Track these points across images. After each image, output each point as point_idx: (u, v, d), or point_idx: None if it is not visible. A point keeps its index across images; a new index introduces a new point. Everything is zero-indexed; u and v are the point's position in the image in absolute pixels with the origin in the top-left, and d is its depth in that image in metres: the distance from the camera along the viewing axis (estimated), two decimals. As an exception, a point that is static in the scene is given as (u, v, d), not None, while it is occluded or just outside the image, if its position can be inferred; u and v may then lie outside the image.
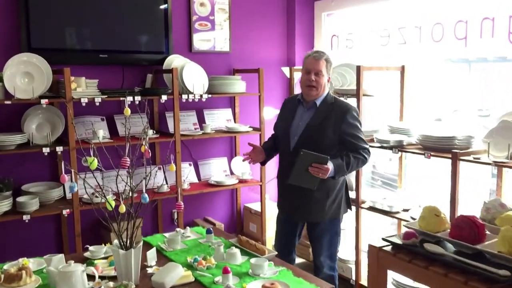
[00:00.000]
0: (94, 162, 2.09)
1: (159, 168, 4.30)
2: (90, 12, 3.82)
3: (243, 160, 3.13)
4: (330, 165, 2.67)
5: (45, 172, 3.86)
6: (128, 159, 2.15)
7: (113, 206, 2.18)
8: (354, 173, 3.79)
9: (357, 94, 3.48)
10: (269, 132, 4.88)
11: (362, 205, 3.58)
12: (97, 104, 3.59)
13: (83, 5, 3.79)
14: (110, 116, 4.03)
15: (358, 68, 3.43)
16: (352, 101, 3.57)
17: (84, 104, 3.56)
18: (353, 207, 3.60)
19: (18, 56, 3.46)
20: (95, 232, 3.94)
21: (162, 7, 4.13)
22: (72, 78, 3.58)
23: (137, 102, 3.71)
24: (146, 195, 2.14)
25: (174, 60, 4.11)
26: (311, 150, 2.66)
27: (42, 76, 3.46)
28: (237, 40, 4.66)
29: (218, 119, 4.58)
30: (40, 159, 3.59)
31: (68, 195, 3.70)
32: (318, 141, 2.80)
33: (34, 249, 3.84)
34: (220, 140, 4.69)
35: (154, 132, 4.04)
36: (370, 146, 3.43)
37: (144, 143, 2.31)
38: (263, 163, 3.27)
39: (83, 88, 3.65)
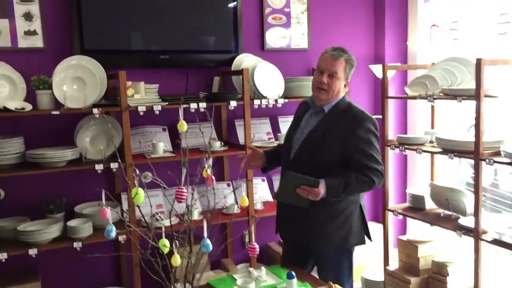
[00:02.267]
0: (139, 195, 1.54)
1: (228, 185, 3.74)
2: (149, 9, 3.34)
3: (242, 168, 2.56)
4: (322, 189, 2.23)
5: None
6: (185, 191, 1.57)
7: (166, 251, 1.60)
8: (468, 194, 3.02)
9: (476, 95, 2.72)
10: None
11: (483, 237, 2.80)
12: (157, 112, 3.09)
13: (142, 1, 3.32)
14: (173, 125, 3.52)
15: (479, 62, 2.67)
16: (469, 104, 2.81)
17: (141, 113, 3.06)
18: (471, 239, 2.83)
19: (67, 60, 3.03)
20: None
21: (230, -1, 3.58)
22: (129, 83, 3.11)
23: (202, 110, 3.17)
24: (209, 243, 1.54)
25: (244, 60, 3.53)
26: (309, 164, 2.32)
27: (94, 81, 3.01)
28: (316, 35, 4.01)
29: (295, 127, 3.94)
30: (95, 175, 3.14)
31: (127, 217, 3.22)
32: (319, 155, 2.34)
33: (90, 280, 3.41)
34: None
35: (222, 144, 3.48)
36: (495, 161, 2.67)
37: (206, 166, 1.72)
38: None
39: (142, 94, 3.17)
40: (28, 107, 2.90)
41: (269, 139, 3.77)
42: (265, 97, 3.42)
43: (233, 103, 3.27)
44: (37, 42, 3.18)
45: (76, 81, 3.01)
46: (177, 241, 1.61)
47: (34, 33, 3.16)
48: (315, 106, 2.42)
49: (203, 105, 3.17)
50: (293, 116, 2.64)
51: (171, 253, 1.55)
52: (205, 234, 1.53)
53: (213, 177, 1.73)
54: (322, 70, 2.33)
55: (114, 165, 2.99)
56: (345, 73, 2.34)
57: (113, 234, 1.59)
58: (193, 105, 3.14)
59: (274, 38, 3.88)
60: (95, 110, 2.92)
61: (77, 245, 2.95)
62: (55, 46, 3.23)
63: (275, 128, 3.85)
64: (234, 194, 3.72)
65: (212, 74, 3.64)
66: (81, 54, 3.12)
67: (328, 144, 2.31)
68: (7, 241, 2.94)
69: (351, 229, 2.43)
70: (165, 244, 1.56)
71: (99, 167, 2.96)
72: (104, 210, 1.64)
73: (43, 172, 2.93)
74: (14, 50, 3.12)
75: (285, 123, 3.89)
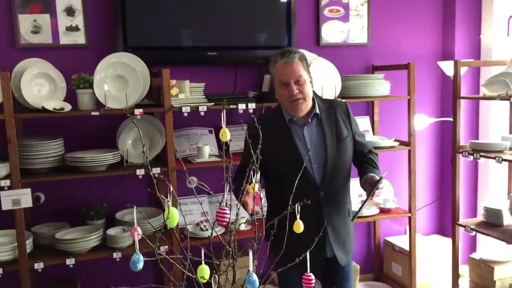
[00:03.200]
0: (172, 217, 1.28)
1: (279, 192, 3.45)
2: (197, 3, 3.10)
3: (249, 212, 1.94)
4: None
5: (143, 195, 3.21)
6: (227, 212, 1.30)
7: (204, 281, 1.33)
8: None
9: None
10: (421, 147, 3.89)
11: None
12: (202, 113, 2.85)
13: (188, -7, 3.09)
14: (220, 127, 3.27)
15: None
16: None
17: (186, 114, 2.83)
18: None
19: (108, 57, 2.84)
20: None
21: (283, -10, 3.29)
22: (173, 82, 2.88)
23: (250, 111, 2.91)
24: (255, 278, 1.26)
25: (298, 56, 3.23)
26: (340, 174, 2.18)
27: (137, 80, 2.80)
28: (378, 28, 3.66)
29: (353, 129, 3.60)
30: (138, 180, 2.94)
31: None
32: (345, 160, 2.19)
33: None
34: (354, 156, 3.71)
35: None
36: None
37: (254, 181, 1.45)
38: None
39: (187, 93, 2.94)
40: (67, 107, 2.73)
41: (323, 142, 3.46)
42: (319, 97, 3.10)
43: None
44: (79, 38, 3.01)
45: (118, 79, 2.81)
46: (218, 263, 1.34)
47: (76, 28, 3.00)
48: (302, 118, 2.14)
49: (252, 105, 2.91)
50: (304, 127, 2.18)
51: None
52: (251, 268, 1.25)
53: (261, 196, 1.45)
54: (285, 82, 2.06)
55: (156, 170, 2.77)
56: (307, 71, 2.11)
57: (140, 265, 1.33)
58: (241, 106, 2.88)
59: (331, 32, 3.55)
60: (136, 111, 2.72)
61: (116, 255, 2.75)
62: (98, 43, 3.05)
63: (331, 131, 3.53)
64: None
65: (262, 72, 3.37)
66: (125, 51, 2.93)
67: (345, 142, 2.18)
68: (45, 248, 2.79)
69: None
70: (203, 275, 1.29)
71: (140, 172, 2.76)
72: (135, 230, 1.40)
73: (81, 177, 2.75)
74: (55, 47, 2.97)
75: (341, 126, 3.57)
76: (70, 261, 2.67)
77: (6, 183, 2.54)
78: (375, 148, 3.29)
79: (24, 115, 2.65)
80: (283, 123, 2.15)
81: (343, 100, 2.38)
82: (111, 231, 2.84)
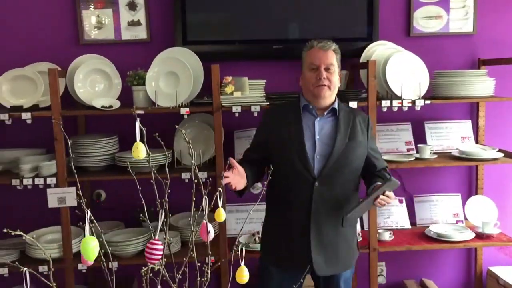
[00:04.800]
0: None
1: (353, 204, 3.03)
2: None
3: (224, 183, 1.82)
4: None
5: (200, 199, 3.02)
6: (158, 247, 1.02)
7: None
8: None
9: None
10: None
11: None
12: (255, 114, 2.57)
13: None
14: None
15: None
16: None
17: (237, 115, 2.57)
18: None
19: (163, 53, 2.69)
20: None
21: (364, -28, 2.84)
22: (229, 78, 2.64)
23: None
24: None
25: (376, 50, 2.77)
26: (343, 173, 2.06)
27: (188, 76, 2.61)
28: (486, 15, 3.02)
29: (449, 136, 3.02)
30: (188, 183, 2.76)
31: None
32: (352, 160, 2.08)
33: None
34: (450, 168, 3.12)
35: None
36: None
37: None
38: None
39: (245, 91, 2.67)
40: (117, 105, 2.63)
41: (408, 150, 2.95)
42: (398, 97, 2.62)
43: (352, 104, 2.55)
44: (141, 33, 2.91)
45: (170, 76, 2.65)
46: None
47: (137, 23, 2.91)
48: (320, 109, 2.10)
49: (313, 106, 2.54)
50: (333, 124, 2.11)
51: None
52: None
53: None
54: (316, 66, 2.06)
55: (202, 175, 2.55)
56: (338, 64, 2.12)
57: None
58: (300, 106, 2.53)
59: (425, 19, 3.01)
60: (183, 110, 2.52)
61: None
62: (159, 38, 2.93)
63: (419, 137, 3.00)
64: (360, 218, 3.00)
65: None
66: (184, 46, 2.77)
67: (357, 147, 2.08)
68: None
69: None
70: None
71: (186, 176, 2.57)
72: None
73: (127, 178, 2.63)
74: (117, 42, 2.91)
75: (434, 131, 3.02)
76: (112, 265, 2.57)
77: (52, 180, 2.53)
78: (472, 160, 2.72)
79: (70, 112, 2.62)
80: (296, 110, 2.12)
81: (367, 114, 2.33)
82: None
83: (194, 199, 1.23)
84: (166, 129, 2.82)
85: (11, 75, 2.66)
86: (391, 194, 1.98)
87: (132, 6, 2.89)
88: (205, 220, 1.17)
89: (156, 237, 1.12)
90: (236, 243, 1.16)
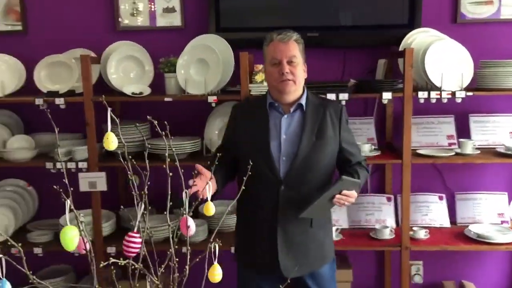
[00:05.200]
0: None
1: (388, 199, 2.91)
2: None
3: (190, 193, 1.52)
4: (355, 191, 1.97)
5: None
6: (136, 240, 0.99)
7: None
8: None
9: None
10: None
11: None
12: (284, 104, 2.49)
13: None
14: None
15: None
16: None
17: (265, 104, 2.51)
18: None
19: (194, 40, 2.66)
20: None
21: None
22: (259, 66, 2.60)
23: (343, 102, 2.45)
24: None
25: (418, 37, 2.62)
26: (308, 173, 1.97)
27: (218, 64, 2.57)
28: (543, -1, 2.77)
29: (496, 131, 2.82)
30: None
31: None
32: (320, 160, 1.99)
33: None
34: (496, 165, 2.91)
35: (373, 148, 2.67)
36: None
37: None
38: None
39: (276, 80, 2.60)
40: (147, 91, 2.65)
41: (449, 144, 2.78)
42: (438, 88, 2.46)
43: (386, 96, 2.43)
44: (175, 20, 2.90)
45: (200, 63, 2.63)
46: None
47: (172, 10, 2.90)
48: (285, 105, 2.01)
49: (344, 96, 2.44)
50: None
51: None
52: None
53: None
54: (278, 60, 1.95)
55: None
56: (302, 55, 2.00)
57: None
58: (330, 96, 2.43)
59: (474, 5, 2.80)
60: (210, 98, 2.50)
61: (185, 250, 2.61)
62: (193, 24, 2.90)
63: (463, 131, 2.82)
64: (396, 213, 2.88)
65: (377, 56, 2.83)
66: (216, 33, 2.73)
67: (325, 144, 1.98)
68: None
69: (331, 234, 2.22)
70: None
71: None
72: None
73: (155, 164, 2.64)
74: (152, 29, 2.92)
75: (478, 124, 2.83)
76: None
77: (83, 165, 2.58)
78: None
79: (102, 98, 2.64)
80: (263, 108, 2.03)
81: (340, 104, 2.20)
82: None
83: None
84: (197, 116, 2.87)
85: (49, 61, 2.74)
86: (350, 192, 1.88)
87: (167, -8, 2.89)
88: (185, 214, 1.13)
89: (135, 230, 1.09)
90: (211, 240, 1.12)
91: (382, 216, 2.86)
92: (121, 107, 2.98)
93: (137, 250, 1.05)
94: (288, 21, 2.80)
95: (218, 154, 1.59)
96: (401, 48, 2.63)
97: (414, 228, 2.68)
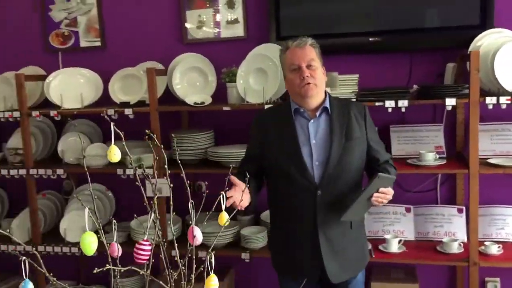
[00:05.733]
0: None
1: (459, 211, 2.73)
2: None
3: (228, 205, 1.68)
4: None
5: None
6: (146, 248, 1.04)
7: None
8: None
9: None
10: None
11: None
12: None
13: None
14: (384, 126, 2.78)
15: None
16: None
17: (321, 112, 2.48)
18: None
19: (254, 50, 2.71)
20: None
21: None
22: (318, 74, 2.56)
23: (403, 109, 2.35)
24: None
25: (489, 38, 2.44)
26: (343, 176, 1.94)
27: (275, 72, 2.60)
28: None
29: None
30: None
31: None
32: (352, 161, 1.96)
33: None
34: None
35: (438, 156, 2.53)
36: None
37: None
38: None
39: (335, 87, 2.57)
40: (208, 101, 2.73)
41: (527, 153, 2.55)
42: (509, 93, 2.28)
43: (450, 102, 2.29)
44: (238, 30, 2.98)
45: (259, 73, 2.67)
46: None
47: (235, 21, 2.97)
48: (310, 110, 1.99)
49: (403, 102, 2.34)
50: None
51: None
52: None
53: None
54: (297, 66, 1.95)
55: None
56: (320, 59, 1.99)
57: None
58: (389, 103, 2.35)
59: (557, 1, 2.56)
60: (266, 107, 2.52)
61: (245, 256, 2.66)
62: (256, 34, 2.95)
63: (544, 138, 2.58)
64: (467, 226, 2.70)
65: (446, 59, 2.68)
66: (277, 42, 2.76)
67: (355, 145, 1.97)
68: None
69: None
70: None
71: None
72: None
73: (216, 171, 2.72)
74: (216, 40, 3.01)
75: (562, 131, 2.57)
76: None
77: (150, 171, 2.72)
78: None
79: (165, 108, 2.76)
80: (288, 115, 2.01)
81: (363, 103, 2.16)
82: (246, 231, 2.75)
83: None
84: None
85: (122, 74, 2.93)
86: (387, 190, 1.85)
87: (230, 5, 2.96)
88: (192, 223, 1.16)
89: (145, 238, 1.15)
90: (209, 251, 1.14)
91: (452, 228, 2.69)
92: (189, 116, 3.11)
93: (146, 258, 1.10)
94: (349, 27, 2.75)
95: (244, 166, 1.61)
96: (470, 50, 2.47)
97: (486, 243, 2.50)
